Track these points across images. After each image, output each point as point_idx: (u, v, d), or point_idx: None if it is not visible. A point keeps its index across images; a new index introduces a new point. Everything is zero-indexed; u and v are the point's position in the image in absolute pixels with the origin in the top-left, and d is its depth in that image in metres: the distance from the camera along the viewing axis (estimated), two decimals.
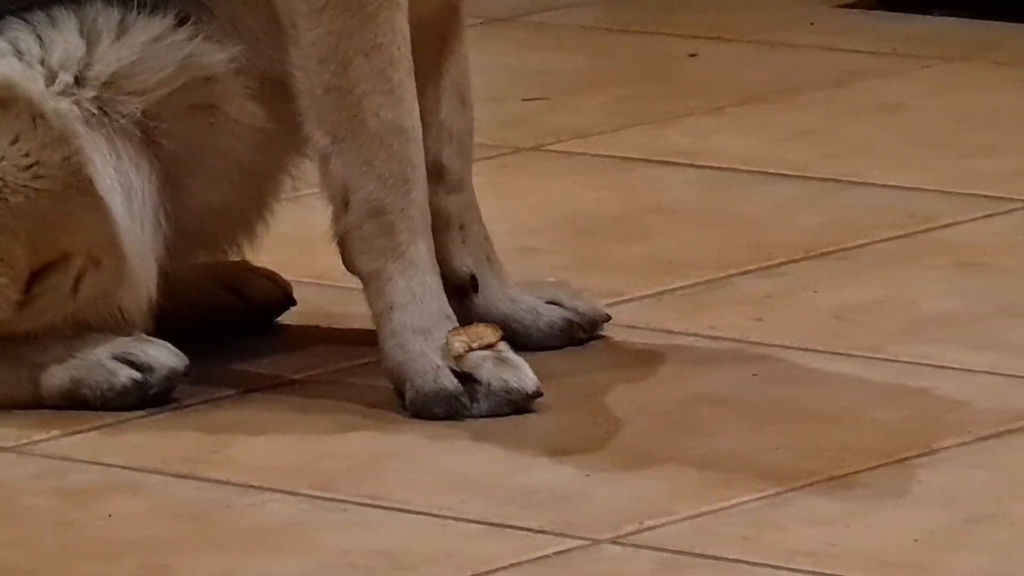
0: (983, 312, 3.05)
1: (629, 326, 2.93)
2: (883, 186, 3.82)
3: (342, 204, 2.63)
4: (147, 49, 2.57)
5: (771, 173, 3.64)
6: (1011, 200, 3.61)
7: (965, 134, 3.90)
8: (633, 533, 2.32)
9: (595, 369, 2.84)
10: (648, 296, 3.10)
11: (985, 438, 2.55)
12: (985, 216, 3.59)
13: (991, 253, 3.38)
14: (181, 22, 2.59)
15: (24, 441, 2.64)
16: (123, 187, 2.63)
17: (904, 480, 2.50)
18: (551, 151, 3.78)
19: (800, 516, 2.34)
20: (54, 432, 2.63)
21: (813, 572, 2.13)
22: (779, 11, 4.48)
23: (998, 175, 3.60)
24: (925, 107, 3.95)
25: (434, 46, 2.80)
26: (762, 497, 2.38)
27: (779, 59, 4.21)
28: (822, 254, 3.33)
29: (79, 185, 2.58)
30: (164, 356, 2.61)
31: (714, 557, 2.22)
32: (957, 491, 2.41)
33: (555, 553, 2.26)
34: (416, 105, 2.67)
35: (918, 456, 2.49)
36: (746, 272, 3.20)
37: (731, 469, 2.49)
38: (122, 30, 2.58)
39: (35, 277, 2.57)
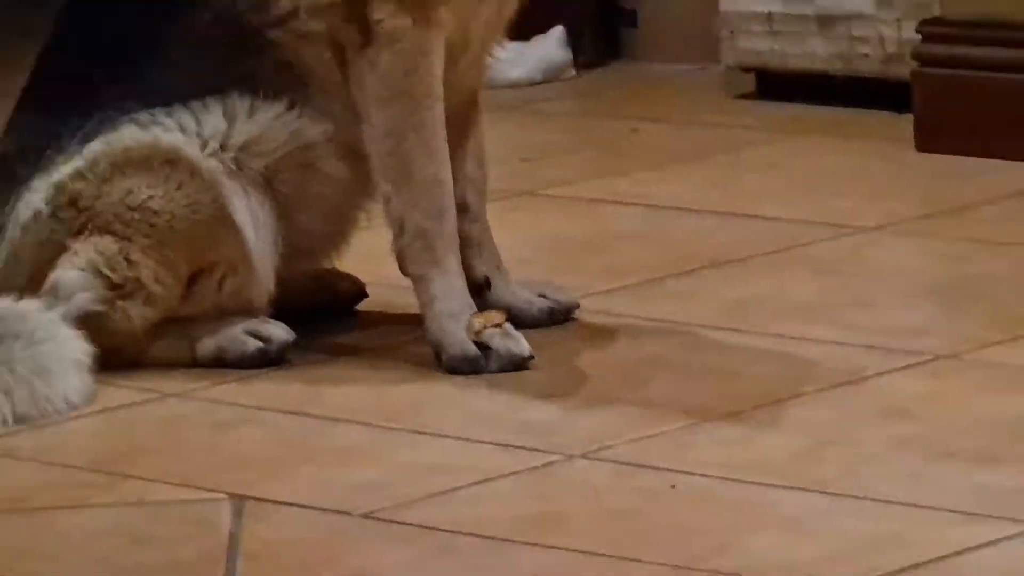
0: (838, 302, 3.02)
1: (593, 312, 2.94)
2: (761, 218, 3.87)
3: (399, 230, 2.65)
4: (268, 125, 2.59)
5: (692, 209, 3.64)
6: (851, 227, 3.74)
7: (821, 180, 4.15)
8: (597, 451, 2.39)
9: (570, 340, 2.87)
10: (606, 291, 3.06)
11: (833, 387, 2.56)
12: (832, 239, 3.94)
13: (847, 262, 3.35)
14: (290, 107, 2.59)
15: (186, 389, 2.64)
16: (252, 219, 2.64)
17: (779, 415, 2.49)
18: (541, 195, 3.70)
19: (710, 439, 2.38)
20: (205, 383, 2.64)
21: (719, 477, 2.22)
22: (694, 100, 4.28)
23: (850, 211, 3.77)
24: (794, 165, 3.85)
25: (461, 123, 2.78)
26: (685, 426, 2.42)
27: (695, 132, 4.12)
28: (724, 263, 3.27)
29: (223, 218, 2.60)
30: (279, 331, 2.63)
31: (652, 467, 2.27)
32: (815, 423, 2.42)
33: (542, 465, 2.32)
34: (449, 164, 2.67)
35: (788, 399, 2.51)
36: (673, 275, 3.15)
37: (663, 407, 2.54)
38: (251, 112, 2.59)
39: (193, 279, 2.59)
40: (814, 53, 4.31)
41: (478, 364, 2.56)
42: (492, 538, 2.10)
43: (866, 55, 4.21)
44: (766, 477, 2.28)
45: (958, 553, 1.98)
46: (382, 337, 2.88)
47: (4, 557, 2.20)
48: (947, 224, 3.58)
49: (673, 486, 2.26)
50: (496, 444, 2.38)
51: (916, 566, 1.96)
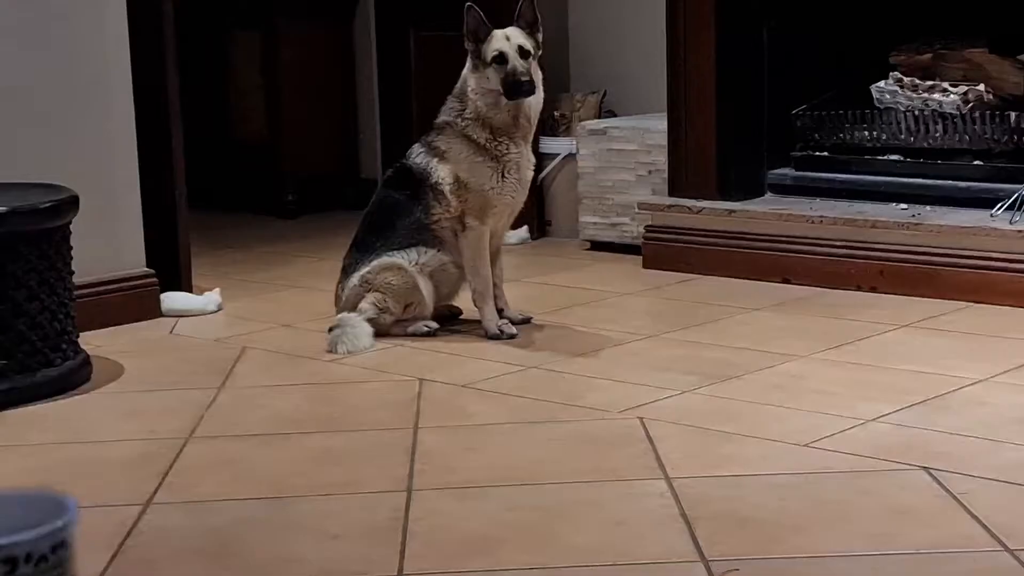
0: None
1: (534, 323, 4.16)
2: None
3: (472, 290, 3.98)
4: (432, 256, 3.99)
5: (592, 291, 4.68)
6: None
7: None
8: (545, 363, 3.71)
9: (528, 329, 4.09)
10: (544, 315, 4.25)
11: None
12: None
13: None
14: (438, 250, 3.99)
15: (405, 342, 3.99)
16: (424, 285, 3.97)
17: (621, 358, 3.75)
18: (530, 284, 4.79)
19: (586, 370, 3.64)
20: (412, 341, 3.99)
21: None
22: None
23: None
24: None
25: (493, 257, 4.04)
26: (583, 360, 3.69)
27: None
28: (587, 303, 4.49)
29: (415, 286, 3.95)
30: (433, 325, 3.99)
31: (574, 373, 3.59)
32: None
33: (521, 369, 3.67)
34: (490, 269, 3.98)
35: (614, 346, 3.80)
36: (572, 307, 4.44)
37: (573, 352, 3.82)
38: (425, 252, 3.99)
39: (405, 308, 4.00)
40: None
41: (499, 337, 3.91)
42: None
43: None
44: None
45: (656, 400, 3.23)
46: (467, 329, 4.10)
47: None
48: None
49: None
50: (503, 362, 3.71)
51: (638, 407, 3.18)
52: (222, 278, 4.83)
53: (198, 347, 3.99)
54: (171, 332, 4.20)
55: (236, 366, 3.72)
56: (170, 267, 4.48)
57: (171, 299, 4.41)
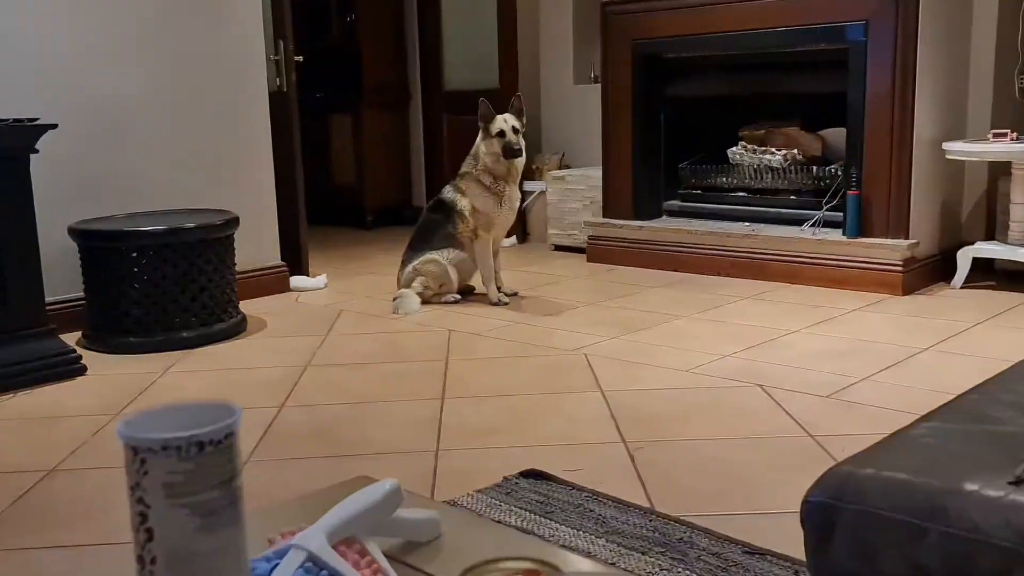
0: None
1: (520, 296, 3.94)
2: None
3: (482, 275, 3.78)
4: (457, 254, 3.70)
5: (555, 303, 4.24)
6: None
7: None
8: (526, 320, 3.54)
9: (516, 299, 3.87)
10: (526, 290, 4.01)
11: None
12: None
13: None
14: (460, 250, 3.80)
15: (441, 306, 3.80)
16: (451, 272, 3.79)
17: (573, 317, 3.53)
18: (516, 271, 4.53)
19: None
20: (444, 308, 3.78)
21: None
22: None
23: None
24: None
25: (494, 249, 3.83)
26: (550, 319, 3.51)
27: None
28: (552, 283, 4.21)
29: (446, 272, 3.77)
30: (457, 296, 3.82)
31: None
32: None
33: (512, 324, 3.48)
34: (492, 259, 3.80)
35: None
36: (543, 286, 4.16)
37: (542, 313, 3.62)
38: (452, 251, 3.72)
39: (440, 286, 3.81)
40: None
41: (498, 305, 3.75)
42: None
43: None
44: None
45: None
46: (478, 299, 3.91)
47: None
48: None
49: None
50: (500, 320, 3.49)
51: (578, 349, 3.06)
52: (327, 267, 4.69)
53: (313, 311, 3.83)
54: (296, 301, 4.07)
55: (336, 322, 3.60)
56: (295, 260, 4.35)
57: (296, 280, 4.27)
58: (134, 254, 3.06)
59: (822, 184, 4.25)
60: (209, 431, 0.64)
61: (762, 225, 4.35)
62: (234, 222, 3.40)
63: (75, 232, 3.12)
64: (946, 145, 3.67)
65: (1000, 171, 3.85)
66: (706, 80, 4.46)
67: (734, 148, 4.57)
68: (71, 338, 3.22)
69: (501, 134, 3.68)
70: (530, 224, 5.51)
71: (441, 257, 3.80)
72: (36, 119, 2.70)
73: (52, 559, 1.58)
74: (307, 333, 3.44)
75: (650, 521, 1.62)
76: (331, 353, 3.15)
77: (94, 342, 3.17)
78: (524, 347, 3.12)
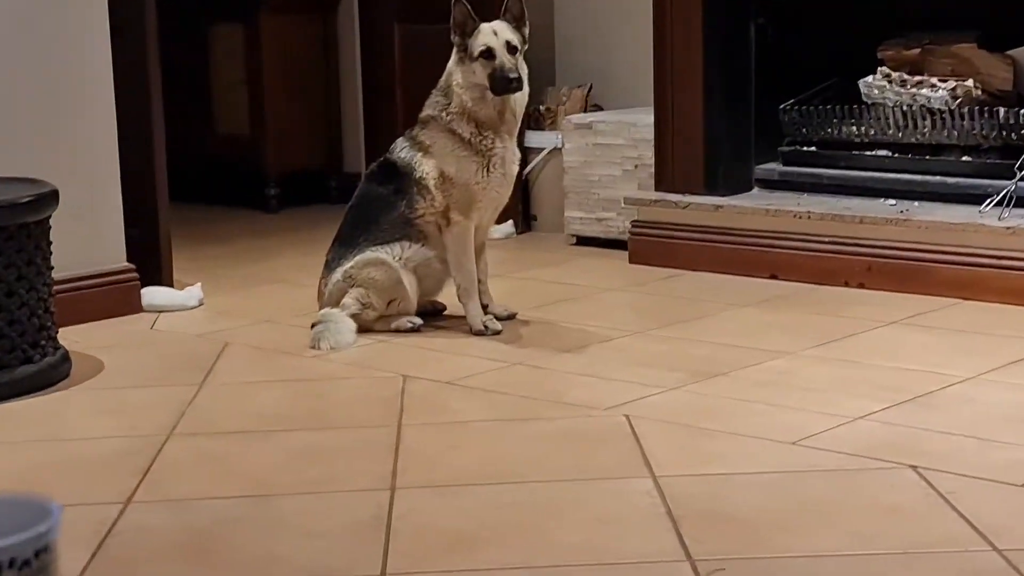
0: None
1: (519, 319, 4.19)
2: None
3: (457, 287, 4.01)
4: (415, 251, 4.02)
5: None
6: None
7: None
8: (530, 359, 3.74)
9: (513, 324, 4.13)
10: (529, 310, 4.26)
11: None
12: None
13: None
14: (423, 245, 4.02)
15: (386, 339, 4.01)
16: (408, 281, 3.99)
17: (606, 354, 3.75)
18: (514, 279, 4.81)
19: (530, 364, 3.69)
20: (393, 336, 4.04)
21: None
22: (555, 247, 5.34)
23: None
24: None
25: (478, 252, 4.11)
26: (568, 357, 3.73)
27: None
28: (573, 299, 4.51)
29: (399, 281, 3.97)
30: (417, 320, 4.02)
31: (535, 365, 3.64)
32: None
33: (506, 366, 3.69)
34: (474, 264, 4.04)
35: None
36: (557, 303, 4.45)
37: (558, 348, 3.86)
38: (410, 247, 4.03)
39: (389, 303, 4.04)
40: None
41: (484, 333, 3.96)
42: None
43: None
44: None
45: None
46: (451, 325, 4.13)
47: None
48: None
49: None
50: (487, 358, 3.74)
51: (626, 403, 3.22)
52: (203, 273, 4.82)
53: (179, 343, 4.00)
54: (152, 327, 4.23)
55: (217, 362, 3.74)
56: (151, 262, 4.49)
57: (152, 294, 4.44)
58: None
59: (1015, 137, 4.43)
60: (11, 545, 0.62)
61: (916, 204, 4.56)
62: (49, 199, 3.51)
63: None
64: None
65: None
66: None
67: (870, 78, 4.76)
68: None
69: (488, 54, 3.86)
70: (536, 202, 5.80)
71: (390, 257, 4.00)
72: None
73: None
74: (169, 381, 3.58)
75: None
76: (210, 414, 3.27)
77: None
78: (526, 404, 3.27)
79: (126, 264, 4.36)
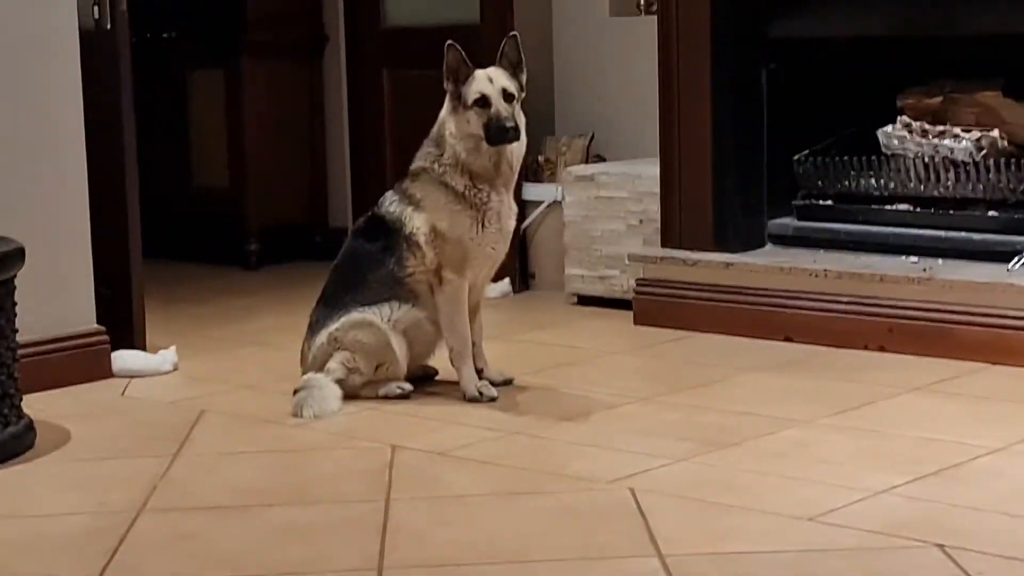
0: None
1: (517, 384, 4.17)
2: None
3: (450, 350, 3.97)
4: (405, 312, 3.97)
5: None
6: None
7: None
8: (528, 428, 3.71)
9: (510, 390, 4.09)
10: (527, 375, 4.24)
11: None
12: None
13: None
14: (413, 306, 3.97)
15: (377, 405, 3.97)
16: (397, 344, 3.94)
17: (610, 423, 3.76)
18: (512, 342, 4.82)
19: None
20: (383, 403, 3.98)
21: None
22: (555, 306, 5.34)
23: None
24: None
25: (473, 312, 4.05)
26: (570, 426, 3.71)
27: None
28: (574, 363, 4.52)
29: (388, 345, 3.93)
30: (407, 386, 3.97)
31: (528, 434, 3.62)
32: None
33: (502, 435, 3.64)
34: (468, 326, 3.99)
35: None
36: (558, 367, 4.42)
37: (558, 416, 3.82)
38: (399, 308, 3.97)
39: (377, 368, 3.98)
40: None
41: (479, 400, 3.91)
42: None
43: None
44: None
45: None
46: (444, 389, 4.10)
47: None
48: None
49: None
50: (482, 428, 3.71)
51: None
52: (179, 335, 4.81)
53: (152, 411, 3.98)
54: (123, 394, 4.21)
55: (193, 432, 3.71)
56: (123, 324, 4.48)
57: (123, 358, 4.41)
58: None
59: None
60: None
61: (940, 262, 4.53)
62: (14, 257, 3.51)
63: None
64: None
65: None
66: (840, 11, 4.68)
67: (890, 127, 4.76)
68: None
69: (483, 102, 3.84)
70: (534, 260, 5.78)
71: (378, 318, 3.95)
72: None
73: None
74: (141, 452, 3.54)
75: None
76: (184, 488, 3.23)
77: None
78: (524, 477, 3.24)
79: (96, 326, 4.34)
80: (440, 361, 4.13)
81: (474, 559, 2.67)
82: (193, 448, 3.57)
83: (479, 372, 4.04)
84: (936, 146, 4.60)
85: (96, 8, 4.30)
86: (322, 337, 3.98)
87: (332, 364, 3.96)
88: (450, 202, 3.87)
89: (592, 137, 5.68)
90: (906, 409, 3.76)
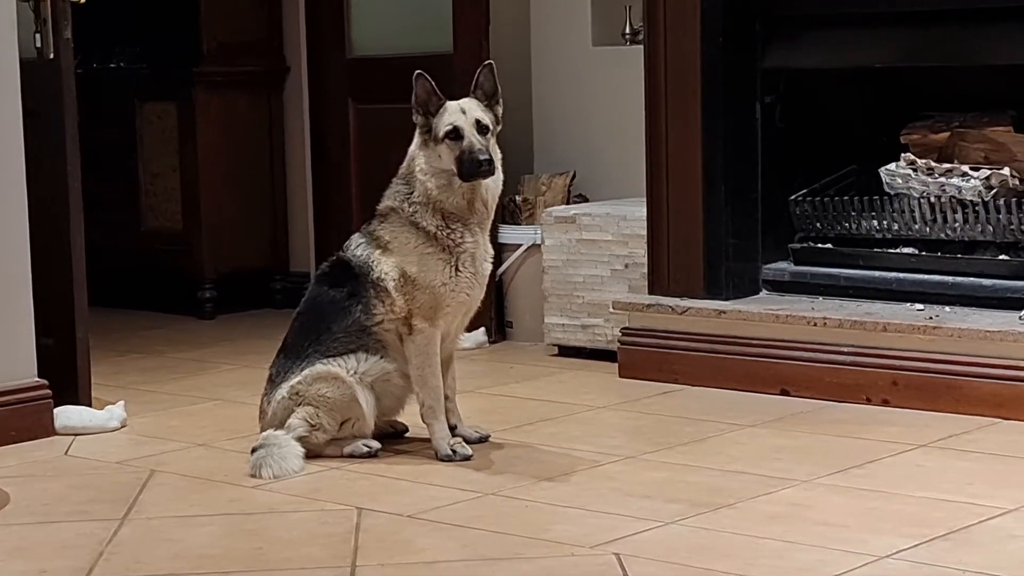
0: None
1: (493, 441, 4.21)
2: None
3: (421, 405, 4.00)
4: (372, 364, 3.99)
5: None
6: None
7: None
8: (505, 489, 3.70)
9: (486, 448, 4.11)
10: (505, 432, 4.29)
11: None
12: None
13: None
14: (381, 357, 4.00)
15: (341, 465, 3.98)
16: (364, 399, 3.97)
17: (593, 483, 3.74)
18: (487, 396, 4.90)
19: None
20: (347, 463, 3.99)
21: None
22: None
23: None
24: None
25: (445, 364, 4.09)
26: (550, 486, 3.71)
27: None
28: (555, 418, 4.57)
29: (355, 399, 3.95)
30: (374, 444, 4.00)
31: (507, 495, 3.60)
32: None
33: (478, 496, 3.62)
34: (441, 379, 4.02)
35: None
36: (537, 423, 4.46)
37: (537, 476, 3.83)
38: (366, 360, 4.00)
39: (342, 424, 4.02)
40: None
41: (452, 459, 3.94)
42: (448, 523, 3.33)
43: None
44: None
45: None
46: (415, 447, 4.12)
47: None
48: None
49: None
50: (456, 488, 3.72)
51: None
52: (127, 390, 4.84)
53: (97, 471, 3.98)
54: (66, 453, 4.20)
55: (142, 493, 3.72)
56: (66, 376, 4.48)
57: (67, 414, 4.42)
58: None
59: None
60: None
61: (947, 309, 4.55)
62: None
63: None
64: None
65: None
66: (840, 40, 4.73)
67: (893, 166, 4.79)
68: None
69: (454, 134, 3.87)
70: (512, 307, 5.80)
71: (343, 370, 3.98)
72: None
73: None
74: (86, 516, 3.53)
75: None
76: (133, 555, 3.21)
77: None
78: (501, 541, 3.24)
79: (37, 379, 4.35)
80: (410, 417, 4.16)
81: None
82: (142, 512, 3.57)
83: (452, 429, 4.07)
84: (943, 185, 4.64)
85: (38, 36, 4.29)
86: (283, 391, 4.00)
87: (294, 420, 3.98)
88: (421, 244, 3.89)
89: (574, 175, 5.72)
90: (912, 467, 3.77)
